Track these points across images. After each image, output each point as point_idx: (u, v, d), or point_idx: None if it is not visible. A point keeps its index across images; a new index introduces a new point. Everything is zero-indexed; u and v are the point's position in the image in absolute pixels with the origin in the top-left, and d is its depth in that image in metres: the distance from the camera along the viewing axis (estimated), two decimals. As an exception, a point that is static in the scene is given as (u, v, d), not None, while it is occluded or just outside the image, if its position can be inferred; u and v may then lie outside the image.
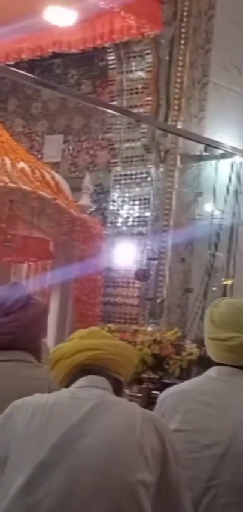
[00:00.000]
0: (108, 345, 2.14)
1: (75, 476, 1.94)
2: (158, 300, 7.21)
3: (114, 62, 7.85)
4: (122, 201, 7.79)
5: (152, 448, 1.99)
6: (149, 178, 7.59)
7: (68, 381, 2.15)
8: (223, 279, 7.40)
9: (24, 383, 2.45)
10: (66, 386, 2.14)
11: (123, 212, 7.76)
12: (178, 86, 7.47)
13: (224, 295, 7.27)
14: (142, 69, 7.65)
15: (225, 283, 7.37)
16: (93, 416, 2.01)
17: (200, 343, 6.68)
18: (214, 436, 2.35)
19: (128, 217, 7.73)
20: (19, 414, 2.05)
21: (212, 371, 2.52)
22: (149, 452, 1.98)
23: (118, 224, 7.77)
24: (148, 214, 7.56)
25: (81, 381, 2.10)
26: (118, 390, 2.15)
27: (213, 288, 7.38)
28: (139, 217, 7.65)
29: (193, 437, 2.37)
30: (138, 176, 7.69)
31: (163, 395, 2.53)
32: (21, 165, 6.58)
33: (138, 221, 7.65)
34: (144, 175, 7.65)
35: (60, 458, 1.96)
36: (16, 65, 7.86)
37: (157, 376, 6.31)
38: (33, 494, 1.94)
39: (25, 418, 2.03)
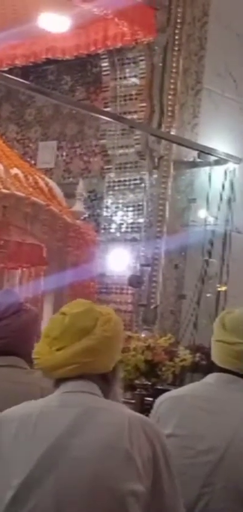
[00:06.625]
0: (83, 351, 2.05)
1: (62, 491, 1.91)
2: (152, 306, 7.21)
3: (108, 68, 7.87)
4: (116, 207, 7.79)
5: (142, 455, 1.95)
6: (142, 185, 7.60)
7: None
8: (217, 286, 7.41)
9: (17, 388, 2.45)
10: (57, 382, 2.11)
11: (117, 218, 7.77)
12: (171, 92, 7.49)
13: (218, 302, 7.29)
14: (135, 76, 7.67)
15: (219, 289, 7.38)
16: (79, 427, 1.97)
17: (194, 349, 6.70)
18: (210, 442, 2.34)
19: (121, 224, 7.73)
20: (6, 427, 2.01)
21: (210, 377, 2.50)
22: (139, 460, 1.94)
23: (112, 230, 7.77)
24: (141, 220, 7.57)
25: (68, 385, 2.07)
26: (106, 383, 2.10)
27: (207, 295, 7.39)
28: (132, 223, 7.66)
29: (188, 442, 2.36)
30: (132, 182, 7.71)
31: (159, 400, 2.51)
32: (15, 171, 6.58)
33: (132, 227, 7.66)
34: (138, 182, 7.66)
35: (47, 472, 1.92)
36: (10, 71, 7.87)
37: (150, 383, 6.31)
38: (21, 509, 1.91)
39: (11, 431, 1.99)
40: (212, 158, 7.46)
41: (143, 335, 6.77)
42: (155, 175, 7.54)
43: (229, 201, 7.54)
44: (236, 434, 2.34)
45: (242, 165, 7.63)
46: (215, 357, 2.49)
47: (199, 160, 7.51)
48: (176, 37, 7.52)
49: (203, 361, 6.47)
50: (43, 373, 2.13)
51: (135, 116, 7.64)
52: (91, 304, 2.17)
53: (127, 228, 7.69)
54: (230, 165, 7.53)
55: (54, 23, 7.58)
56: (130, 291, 7.49)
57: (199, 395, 2.48)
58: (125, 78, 7.76)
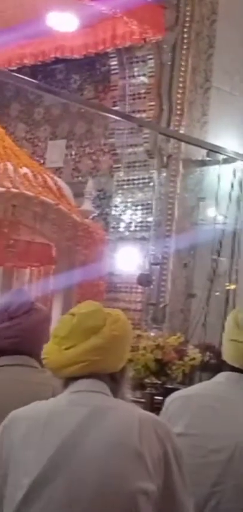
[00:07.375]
0: (92, 349, 2.06)
1: (73, 489, 1.92)
2: (161, 305, 7.21)
3: (116, 67, 7.87)
4: (125, 206, 7.79)
5: (152, 454, 1.95)
6: (151, 184, 7.59)
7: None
8: (226, 284, 7.40)
9: (28, 388, 2.45)
10: (66, 382, 2.11)
11: (126, 217, 7.77)
12: (180, 91, 7.48)
13: (227, 300, 7.28)
14: (144, 74, 7.67)
15: (228, 288, 7.37)
16: (89, 425, 1.98)
17: (203, 348, 6.69)
18: (221, 441, 2.34)
19: (130, 223, 7.73)
20: (17, 427, 2.03)
21: (221, 376, 2.50)
22: (149, 458, 1.94)
23: (121, 229, 7.77)
24: (150, 219, 7.56)
25: (77, 385, 2.07)
26: (114, 382, 2.10)
27: (216, 293, 7.38)
28: (141, 222, 7.66)
29: (200, 441, 2.36)
30: (141, 181, 7.70)
31: (169, 399, 2.51)
32: (24, 170, 6.59)
33: (141, 226, 7.65)
34: (146, 181, 7.65)
35: (57, 471, 1.94)
36: (19, 71, 7.88)
37: (159, 382, 6.31)
38: (32, 508, 1.93)
39: (22, 431, 2.01)
40: (221, 157, 7.45)
41: (152, 334, 6.77)
42: (164, 174, 7.53)
43: (238, 199, 7.53)
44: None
45: (251, 163, 7.63)
46: (227, 356, 2.49)
47: (207, 158, 7.49)
48: (185, 35, 7.52)
49: (213, 360, 6.47)
50: (52, 372, 2.14)
51: (144, 115, 7.64)
52: (100, 305, 2.17)
53: (136, 226, 7.68)
54: (239, 164, 7.51)
55: (63, 22, 7.59)
56: (139, 290, 7.48)
57: (210, 394, 2.48)
58: (134, 76, 7.76)
